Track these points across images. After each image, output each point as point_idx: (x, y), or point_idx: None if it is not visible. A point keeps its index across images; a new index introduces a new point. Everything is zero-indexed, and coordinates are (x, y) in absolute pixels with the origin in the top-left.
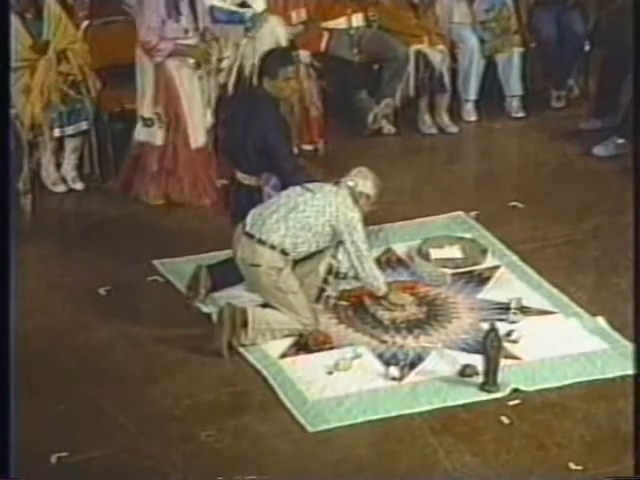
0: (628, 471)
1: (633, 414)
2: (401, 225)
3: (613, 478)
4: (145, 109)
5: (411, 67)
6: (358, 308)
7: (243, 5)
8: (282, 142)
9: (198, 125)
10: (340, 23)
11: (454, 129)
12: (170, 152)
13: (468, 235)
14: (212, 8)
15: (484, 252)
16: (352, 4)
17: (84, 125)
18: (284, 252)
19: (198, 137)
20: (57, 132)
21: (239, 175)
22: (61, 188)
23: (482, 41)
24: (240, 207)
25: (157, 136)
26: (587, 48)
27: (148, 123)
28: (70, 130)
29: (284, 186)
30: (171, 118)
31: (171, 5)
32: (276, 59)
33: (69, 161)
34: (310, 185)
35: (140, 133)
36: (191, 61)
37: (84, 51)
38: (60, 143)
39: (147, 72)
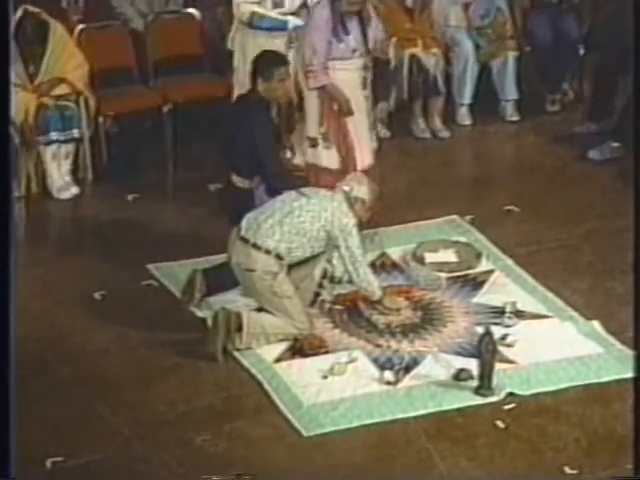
0: (623, 475)
1: (633, 414)
2: (396, 229)
3: (613, 478)
4: (310, 129)
5: (405, 71)
6: (353, 312)
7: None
8: (267, 145)
9: (364, 146)
10: None
11: (446, 134)
12: (338, 173)
13: (463, 239)
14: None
15: (479, 256)
16: None
17: (76, 133)
18: (279, 257)
19: (365, 158)
20: (52, 136)
21: (234, 178)
22: (66, 194)
23: (477, 47)
24: (234, 210)
25: (323, 157)
26: (582, 52)
27: (313, 143)
28: (62, 137)
29: (274, 190)
30: (338, 139)
31: (338, 24)
32: (271, 60)
33: (63, 166)
34: (305, 190)
35: (306, 154)
36: (358, 81)
37: (84, 73)
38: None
39: (311, 94)
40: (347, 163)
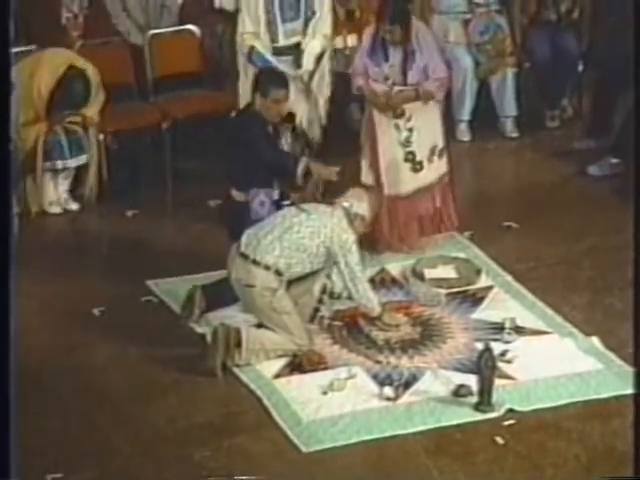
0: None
1: (633, 430)
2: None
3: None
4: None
5: None
6: (352, 328)
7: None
8: (267, 150)
9: (393, 174)
10: (336, 43)
11: None
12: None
13: (462, 255)
14: None
15: (478, 272)
16: (347, 25)
17: (84, 159)
18: (278, 272)
19: (391, 185)
20: (59, 164)
21: (234, 193)
22: (57, 209)
23: (477, 63)
24: (232, 225)
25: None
26: (581, 68)
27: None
28: (72, 163)
29: (271, 202)
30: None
31: (379, 48)
32: (270, 77)
33: (63, 184)
34: (305, 206)
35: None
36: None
37: (100, 106)
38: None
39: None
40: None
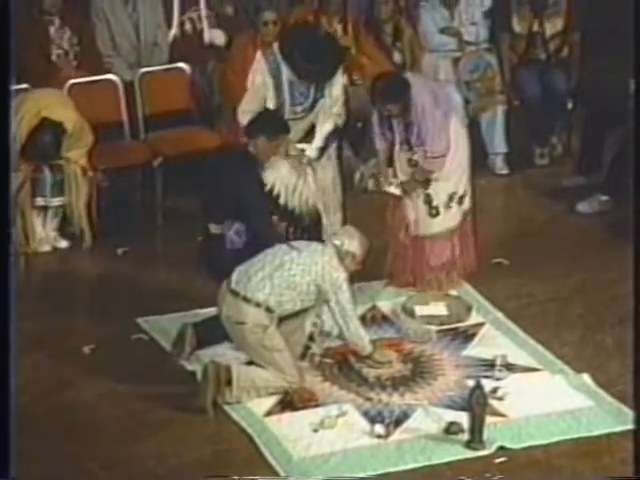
0: None
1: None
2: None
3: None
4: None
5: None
6: (343, 365)
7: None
8: (256, 202)
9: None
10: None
11: None
12: None
13: (453, 292)
14: None
15: (469, 309)
16: None
17: (65, 199)
18: (269, 310)
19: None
20: (40, 201)
21: (212, 227)
22: (46, 247)
23: (467, 101)
24: (208, 257)
25: None
26: (570, 106)
27: None
28: (54, 202)
29: (247, 231)
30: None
31: (384, 121)
32: (268, 119)
33: (51, 222)
34: (296, 243)
35: None
36: None
37: (88, 148)
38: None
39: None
40: None
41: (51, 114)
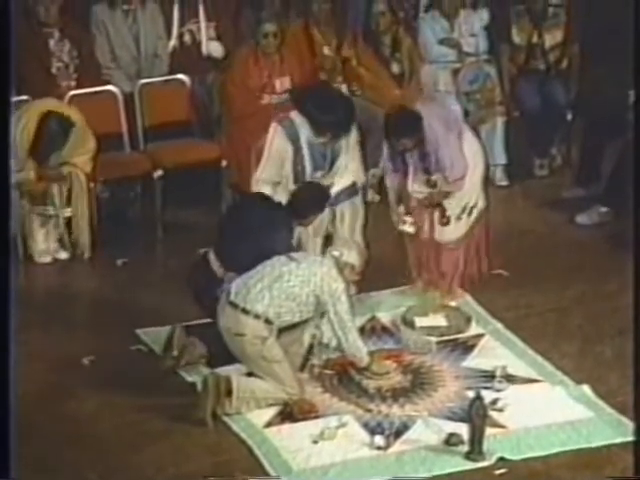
0: None
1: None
2: (386, 293)
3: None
4: None
5: None
6: (343, 377)
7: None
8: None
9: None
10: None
11: None
12: None
13: (452, 303)
14: None
15: (469, 320)
16: (336, 75)
17: (70, 210)
18: (268, 321)
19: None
20: (46, 211)
21: (216, 267)
22: (47, 258)
23: (466, 112)
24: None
25: None
26: (569, 117)
27: None
28: (62, 212)
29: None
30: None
31: (397, 157)
32: (310, 200)
33: (52, 233)
34: (295, 254)
35: None
36: None
37: (92, 156)
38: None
39: None
40: None
41: (57, 109)
